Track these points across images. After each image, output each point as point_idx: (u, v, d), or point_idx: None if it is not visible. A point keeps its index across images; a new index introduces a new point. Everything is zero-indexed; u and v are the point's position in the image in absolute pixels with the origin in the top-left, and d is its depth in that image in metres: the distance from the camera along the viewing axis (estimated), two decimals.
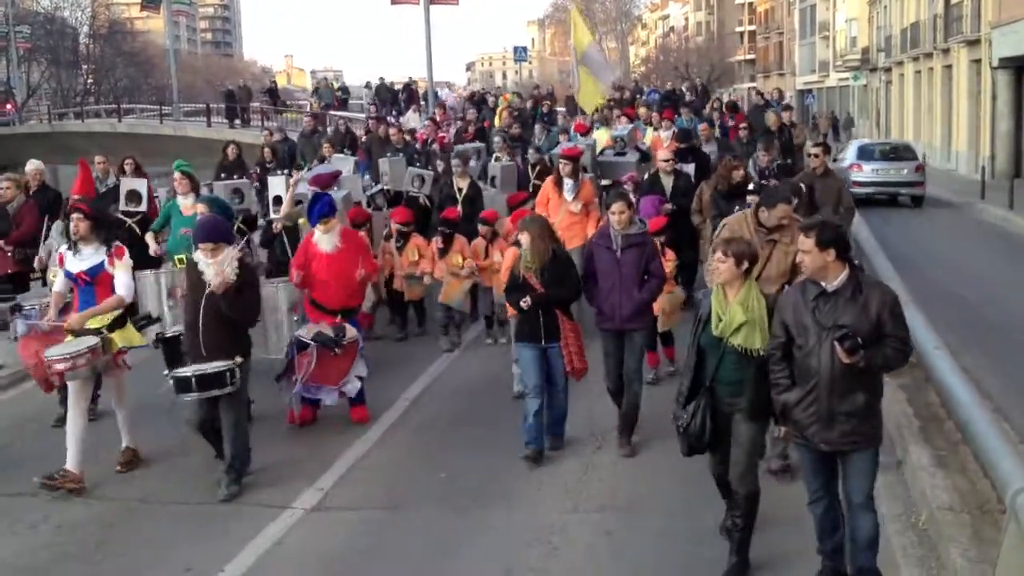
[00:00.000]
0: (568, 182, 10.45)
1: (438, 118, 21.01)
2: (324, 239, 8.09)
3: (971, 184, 26.28)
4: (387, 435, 7.99)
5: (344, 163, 13.96)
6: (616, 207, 7.13)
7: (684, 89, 28.01)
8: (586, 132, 15.67)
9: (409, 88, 32.14)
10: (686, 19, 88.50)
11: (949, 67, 34.70)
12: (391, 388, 9.04)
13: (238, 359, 6.73)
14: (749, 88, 59.23)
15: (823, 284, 4.81)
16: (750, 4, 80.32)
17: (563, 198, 10.42)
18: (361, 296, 8.65)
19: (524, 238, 7.07)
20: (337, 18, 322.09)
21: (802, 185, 9.01)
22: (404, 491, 6.82)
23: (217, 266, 6.62)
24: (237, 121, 35.71)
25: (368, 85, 33.97)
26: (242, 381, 6.79)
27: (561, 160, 10.75)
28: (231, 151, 16.70)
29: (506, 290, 7.41)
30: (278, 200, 10.79)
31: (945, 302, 11.79)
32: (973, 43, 31.16)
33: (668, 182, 11.18)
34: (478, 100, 26.74)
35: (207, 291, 6.63)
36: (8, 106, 52.22)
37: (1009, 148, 29.32)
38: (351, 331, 8.01)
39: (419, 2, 27.58)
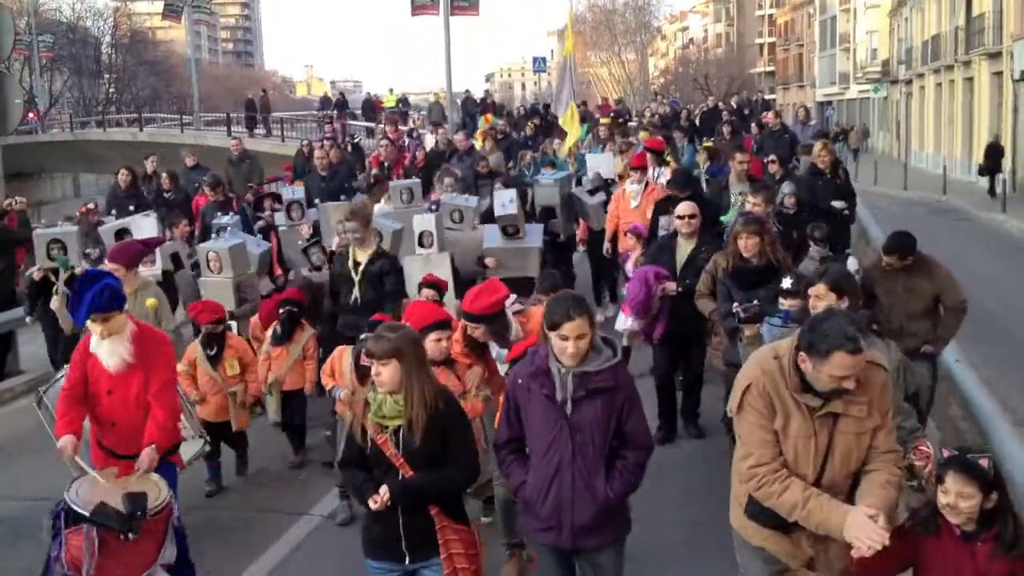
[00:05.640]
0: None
1: (392, 136, 17.42)
2: (104, 348, 4.89)
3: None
4: None
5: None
6: (570, 327, 3.77)
7: (722, 105, 24.02)
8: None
9: (485, 102, 30.13)
10: (705, 31, 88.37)
11: (970, 79, 34.57)
12: None
13: None
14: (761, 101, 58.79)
15: None
16: (770, 16, 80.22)
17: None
18: (176, 430, 5.27)
19: (387, 371, 3.90)
20: (356, 29, 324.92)
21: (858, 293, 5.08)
22: None
23: None
24: (257, 130, 35.90)
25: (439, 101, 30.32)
26: None
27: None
28: (123, 178, 12.91)
29: (341, 463, 4.29)
30: None
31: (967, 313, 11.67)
32: (995, 56, 31.05)
33: (687, 248, 7.23)
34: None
35: None
36: (31, 115, 52.66)
37: None
38: (157, 491, 4.61)
39: (439, 12, 27.64)
